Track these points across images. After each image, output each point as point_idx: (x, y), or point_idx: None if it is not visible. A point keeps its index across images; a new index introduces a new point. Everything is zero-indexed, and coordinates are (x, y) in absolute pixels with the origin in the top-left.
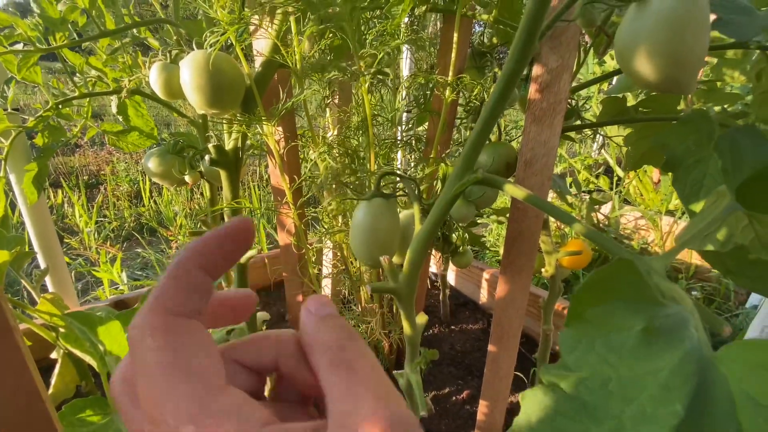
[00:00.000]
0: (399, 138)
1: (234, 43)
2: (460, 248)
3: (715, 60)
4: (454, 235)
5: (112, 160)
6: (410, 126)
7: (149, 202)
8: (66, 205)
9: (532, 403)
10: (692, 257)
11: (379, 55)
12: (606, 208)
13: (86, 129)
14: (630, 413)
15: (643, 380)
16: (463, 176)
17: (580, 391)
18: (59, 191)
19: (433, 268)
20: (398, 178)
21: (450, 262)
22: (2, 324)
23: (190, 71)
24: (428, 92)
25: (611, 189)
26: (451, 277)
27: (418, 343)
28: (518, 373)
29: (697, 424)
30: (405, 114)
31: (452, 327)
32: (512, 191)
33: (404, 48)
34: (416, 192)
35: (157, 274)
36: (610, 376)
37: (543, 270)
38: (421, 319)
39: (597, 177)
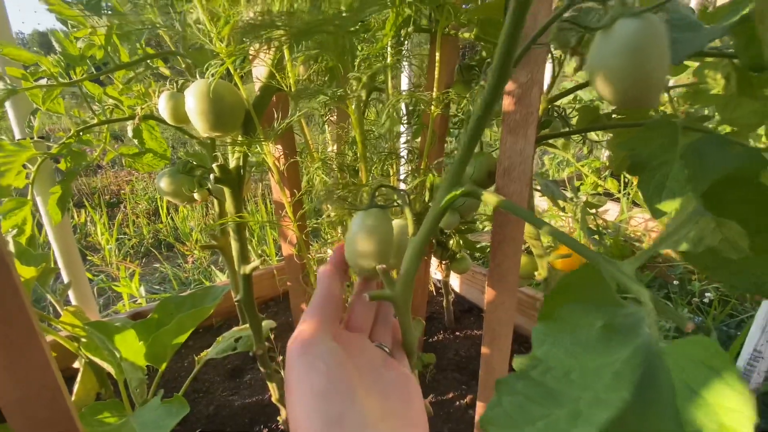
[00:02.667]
0: (395, 151)
1: (233, 72)
2: (458, 254)
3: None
4: (451, 241)
5: (132, 180)
6: (408, 139)
7: (166, 219)
8: (89, 223)
9: (506, 388)
10: None
11: (363, 78)
12: (614, 212)
13: (106, 152)
14: (587, 398)
15: (600, 370)
16: (451, 189)
17: (546, 379)
18: (83, 211)
19: (438, 275)
20: (392, 190)
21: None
22: (28, 328)
23: (193, 99)
24: (414, 108)
25: (620, 192)
26: (456, 284)
27: (415, 347)
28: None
29: (642, 407)
30: (404, 127)
31: (457, 333)
32: (488, 199)
33: (404, 64)
34: (408, 202)
35: (174, 288)
36: (573, 367)
37: (536, 273)
38: (418, 324)
39: (605, 180)
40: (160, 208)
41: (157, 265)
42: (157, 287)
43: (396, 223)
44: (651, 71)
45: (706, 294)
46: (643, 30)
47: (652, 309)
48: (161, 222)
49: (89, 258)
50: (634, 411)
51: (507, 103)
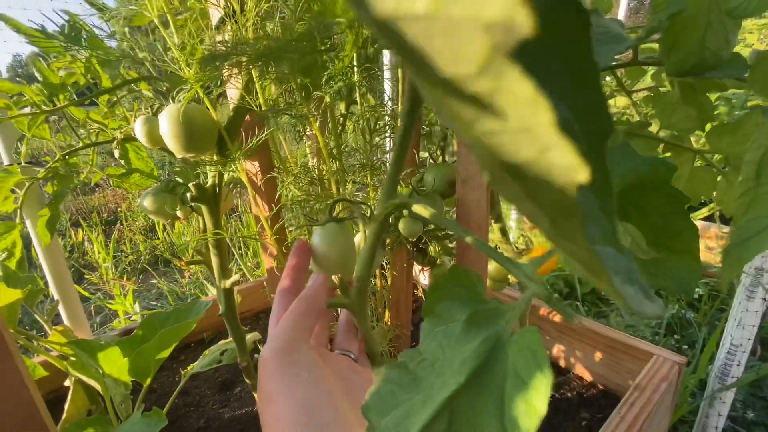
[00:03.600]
0: (369, 164)
1: (202, 95)
2: (438, 260)
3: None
4: (431, 247)
5: (129, 197)
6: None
7: (163, 235)
8: (86, 242)
9: (384, 377)
10: None
11: (327, 98)
12: None
13: (93, 174)
14: (438, 384)
15: (454, 359)
16: (386, 202)
17: (417, 369)
18: (80, 230)
19: (427, 281)
20: (349, 203)
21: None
22: (2, 348)
23: (166, 123)
24: (377, 122)
25: None
26: None
27: (378, 351)
28: None
29: (476, 389)
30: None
31: None
32: (418, 210)
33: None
34: (363, 215)
35: (170, 303)
36: (439, 357)
37: (510, 276)
38: (381, 330)
39: None
40: (156, 224)
41: (154, 281)
42: (154, 303)
43: (358, 235)
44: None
45: (696, 290)
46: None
47: (522, 304)
48: (158, 238)
49: (86, 276)
50: (468, 392)
51: None
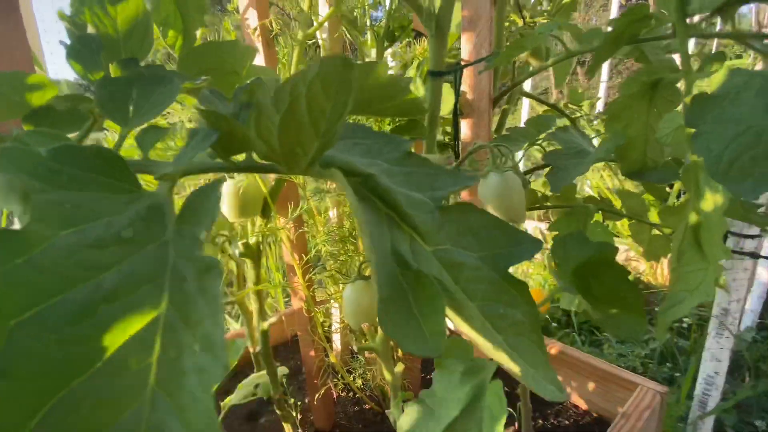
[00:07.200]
0: None
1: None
2: None
3: None
4: None
5: None
6: None
7: None
8: None
9: (410, 408)
10: None
11: None
12: None
13: None
14: (444, 415)
15: (454, 398)
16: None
17: (432, 404)
18: None
19: None
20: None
21: None
22: None
23: (225, 196)
24: None
25: None
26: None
27: (399, 386)
28: (509, 409)
29: (466, 421)
30: None
31: None
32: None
33: None
34: None
35: None
36: (445, 397)
37: None
38: (399, 367)
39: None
40: None
41: None
42: None
43: None
44: (512, 204)
45: (685, 319)
46: (502, 181)
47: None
48: None
49: None
50: (461, 421)
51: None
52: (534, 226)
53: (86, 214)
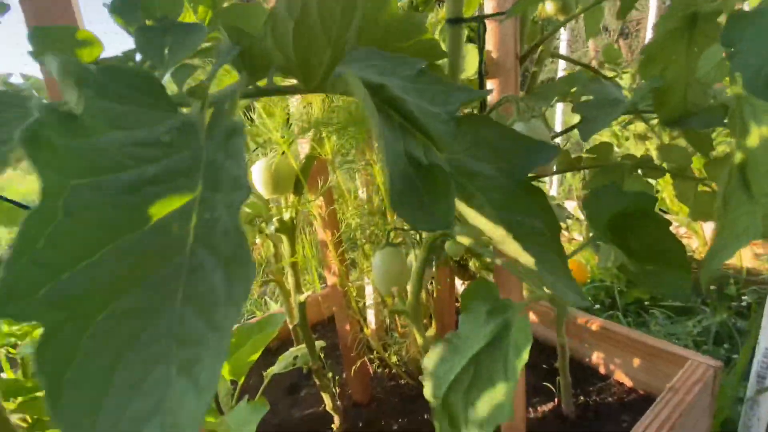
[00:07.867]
0: None
1: (286, 151)
2: (478, 275)
3: None
4: (470, 263)
5: None
6: None
7: None
8: None
9: (434, 348)
10: (743, 261)
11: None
12: None
13: None
14: (468, 352)
15: (479, 335)
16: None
17: (457, 342)
18: None
19: None
20: (402, 232)
21: None
22: None
23: (258, 173)
24: None
25: None
26: None
27: (429, 347)
28: (547, 384)
29: (491, 353)
30: None
31: None
32: (461, 240)
33: None
34: (414, 240)
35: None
36: (470, 335)
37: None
38: (431, 331)
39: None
40: None
41: None
42: None
43: (411, 255)
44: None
45: (743, 297)
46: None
47: (526, 302)
48: None
49: None
50: (486, 352)
51: None
52: (573, 206)
53: (130, 121)
